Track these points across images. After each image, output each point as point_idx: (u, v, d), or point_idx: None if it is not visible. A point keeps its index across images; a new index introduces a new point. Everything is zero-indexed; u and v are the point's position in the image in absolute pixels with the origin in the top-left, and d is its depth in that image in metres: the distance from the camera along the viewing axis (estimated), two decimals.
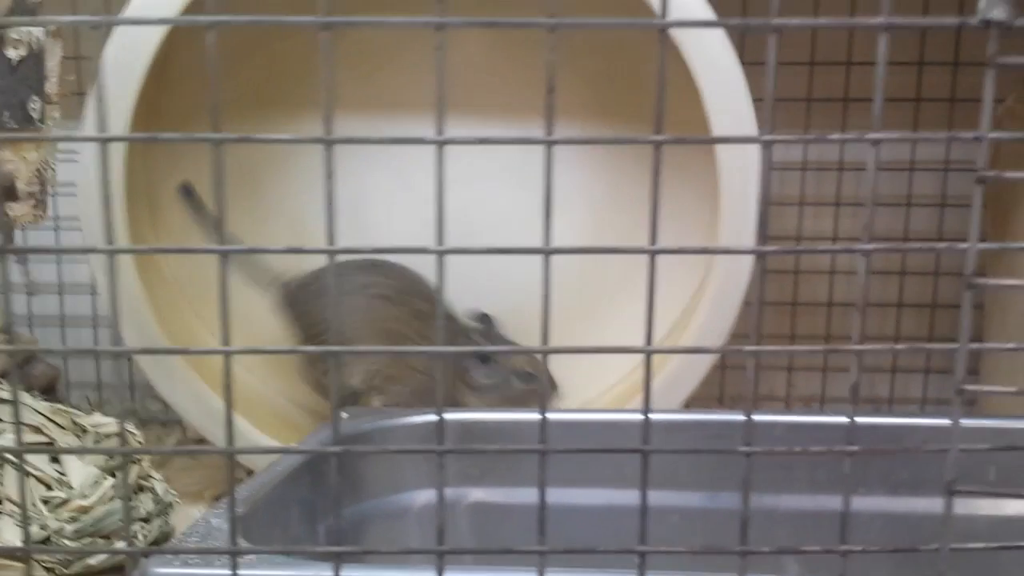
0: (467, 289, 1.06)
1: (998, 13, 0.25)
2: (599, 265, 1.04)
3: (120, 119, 0.83)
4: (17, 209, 0.77)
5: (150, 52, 0.83)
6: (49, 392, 1.04)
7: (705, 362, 0.89)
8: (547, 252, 0.26)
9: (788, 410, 0.61)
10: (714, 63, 0.80)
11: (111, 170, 0.84)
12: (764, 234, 0.26)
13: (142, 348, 0.88)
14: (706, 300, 0.87)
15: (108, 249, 0.26)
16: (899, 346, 0.26)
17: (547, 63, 0.24)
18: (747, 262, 0.86)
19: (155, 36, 0.83)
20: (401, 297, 0.92)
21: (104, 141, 0.26)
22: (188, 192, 0.96)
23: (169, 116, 0.97)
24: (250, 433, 0.92)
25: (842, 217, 1.10)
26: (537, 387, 0.91)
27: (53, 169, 0.78)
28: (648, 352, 0.27)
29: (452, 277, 1.13)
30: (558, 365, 0.93)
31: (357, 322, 0.92)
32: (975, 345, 0.26)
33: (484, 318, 0.94)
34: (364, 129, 1.04)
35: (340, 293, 0.91)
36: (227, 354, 0.26)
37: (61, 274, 1.16)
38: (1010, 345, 0.27)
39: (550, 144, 0.25)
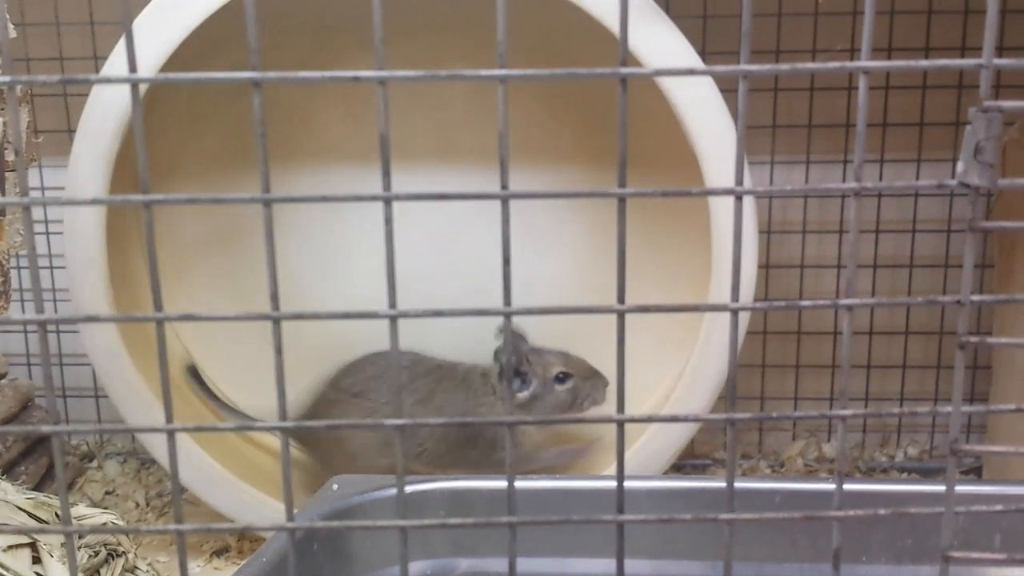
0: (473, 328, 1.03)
1: (975, 179, 0.24)
2: (595, 298, 1.02)
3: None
4: None
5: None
6: (48, 439, 1.02)
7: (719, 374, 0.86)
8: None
9: (784, 478, 0.59)
10: (703, 108, 0.81)
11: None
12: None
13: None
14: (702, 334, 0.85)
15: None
16: (896, 410, 0.24)
17: (499, 112, 0.22)
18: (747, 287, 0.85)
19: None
20: (372, 383, 0.91)
21: (26, 205, 0.25)
22: (194, 373, 0.97)
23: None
24: (262, 501, 0.90)
25: (847, 242, 1.08)
26: (577, 384, 0.87)
27: (21, 245, 0.78)
28: (621, 421, 0.26)
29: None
30: None
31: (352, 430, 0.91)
32: (968, 407, 0.24)
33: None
34: (355, 177, 1.02)
35: (333, 407, 0.91)
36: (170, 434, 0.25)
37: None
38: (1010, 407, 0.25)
39: (505, 199, 0.23)
